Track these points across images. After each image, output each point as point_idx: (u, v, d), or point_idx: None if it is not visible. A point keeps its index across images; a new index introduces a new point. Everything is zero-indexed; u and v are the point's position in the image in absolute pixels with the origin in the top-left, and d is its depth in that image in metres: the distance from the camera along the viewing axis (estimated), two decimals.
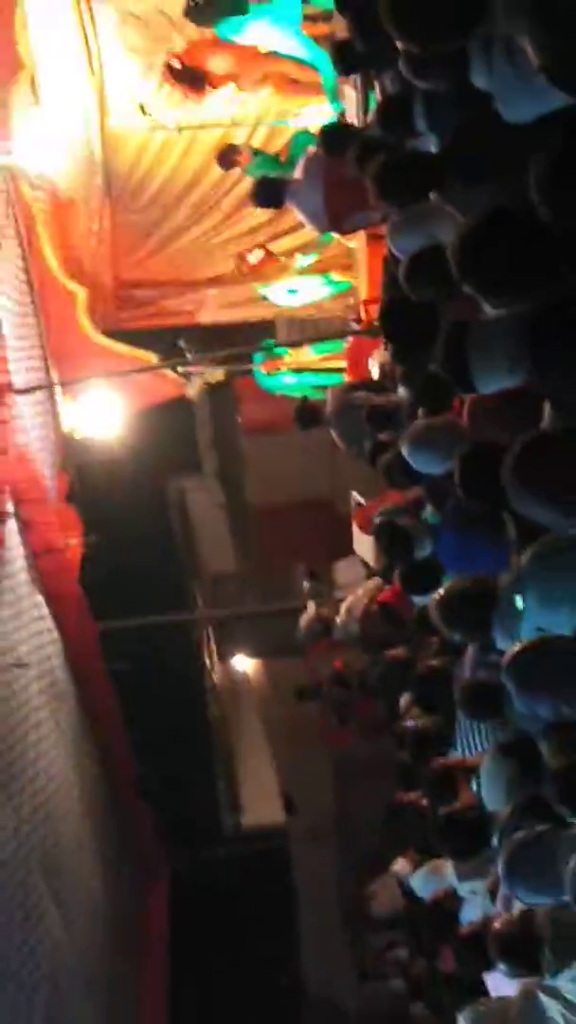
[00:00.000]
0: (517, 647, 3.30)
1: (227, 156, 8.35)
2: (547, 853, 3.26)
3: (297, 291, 9.45)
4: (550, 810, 3.43)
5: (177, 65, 8.24)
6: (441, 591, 3.96)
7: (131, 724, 10.18)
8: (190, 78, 8.25)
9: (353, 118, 7.05)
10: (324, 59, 7.97)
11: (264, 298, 9.83)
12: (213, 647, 12.44)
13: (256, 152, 8.40)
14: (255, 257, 9.11)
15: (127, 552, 10.95)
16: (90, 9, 8.62)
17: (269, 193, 6.28)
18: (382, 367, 6.39)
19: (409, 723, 6.06)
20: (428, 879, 5.99)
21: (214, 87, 8.54)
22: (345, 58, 5.34)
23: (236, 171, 8.66)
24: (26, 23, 7.98)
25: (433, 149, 4.12)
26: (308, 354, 9.86)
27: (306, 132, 8.28)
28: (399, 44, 3.31)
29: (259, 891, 11.42)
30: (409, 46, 3.22)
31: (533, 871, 3.38)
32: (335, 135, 5.90)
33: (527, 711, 3.34)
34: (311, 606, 8.80)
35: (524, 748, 3.92)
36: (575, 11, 2.52)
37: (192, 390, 9.71)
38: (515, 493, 2.70)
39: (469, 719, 4.98)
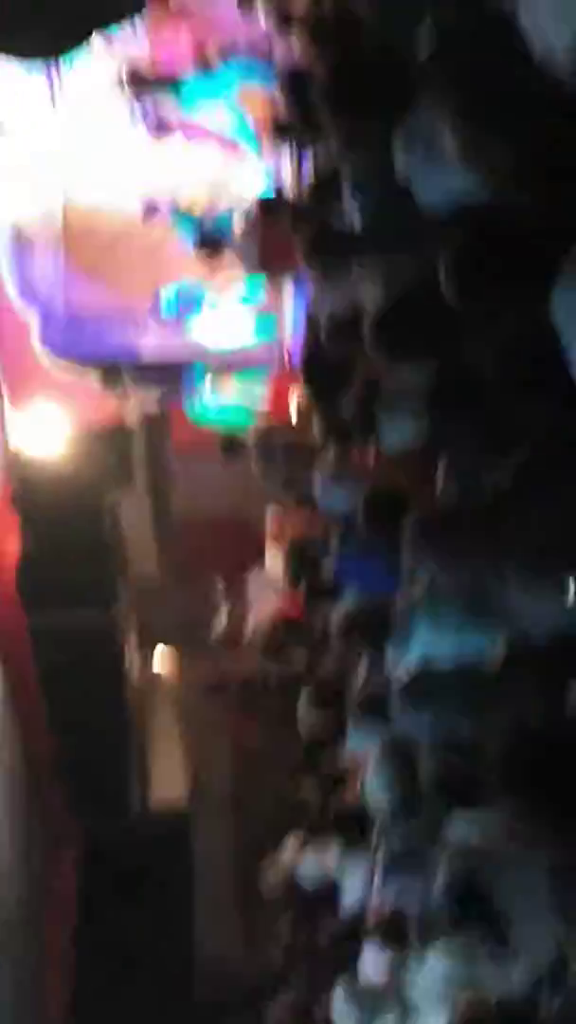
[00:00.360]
0: (404, 669, 3.34)
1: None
2: (421, 854, 3.30)
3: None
4: (426, 809, 3.47)
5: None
6: (341, 607, 3.99)
7: (54, 708, 10.11)
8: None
9: (287, 186, 7.12)
10: (250, 134, 8.13)
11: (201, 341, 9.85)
12: (134, 642, 12.36)
13: (178, 212, 8.48)
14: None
15: (61, 556, 10.86)
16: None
17: (211, 244, 6.33)
18: (299, 407, 6.43)
19: (305, 723, 6.07)
20: (314, 862, 6.00)
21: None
22: (283, 132, 5.41)
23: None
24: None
25: (356, 222, 4.17)
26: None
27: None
28: (331, 127, 3.36)
29: (162, 863, 11.34)
30: (338, 129, 3.26)
31: (407, 871, 3.41)
32: (271, 199, 5.99)
33: (410, 728, 3.37)
34: (224, 612, 8.78)
35: (406, 750, 3.95)
36: (490, 106, 2.57)
37: (130, 414, 9.66)
38: (412, 556, 2.73)
39: (359, 723, 5.00)
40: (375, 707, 4.17)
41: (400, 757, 4.06)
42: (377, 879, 3.72)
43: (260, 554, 8.73)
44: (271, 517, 7.87)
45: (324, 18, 3.73)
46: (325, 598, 5.14)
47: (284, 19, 5.11)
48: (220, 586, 11.23)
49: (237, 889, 11.13)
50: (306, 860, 6.20)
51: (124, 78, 8.17)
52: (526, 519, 2.42)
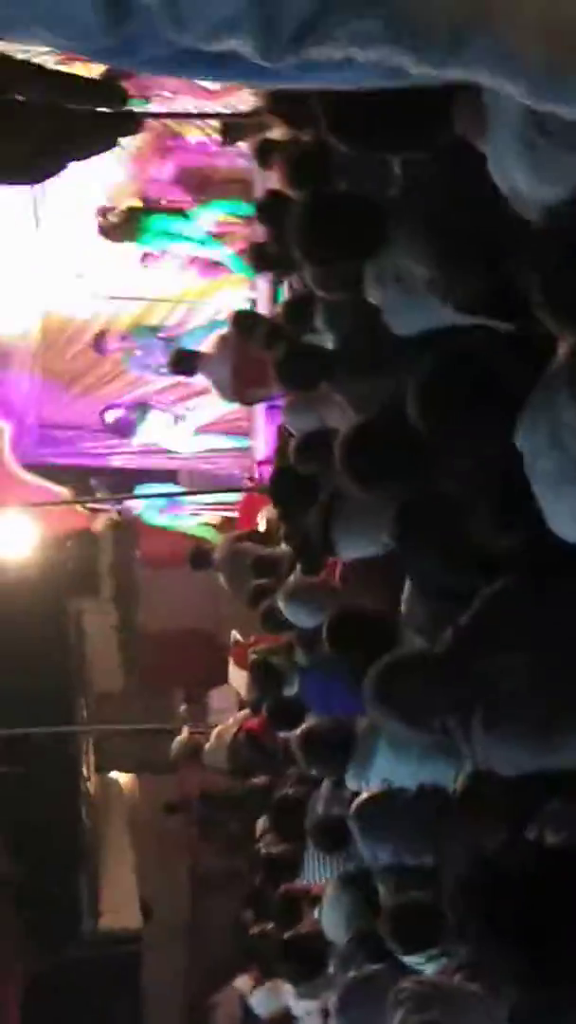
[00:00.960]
0: (365, 795, 3.26)
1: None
2: (378, 993, 3.17)
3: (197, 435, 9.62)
4: (384, 944, 3.35)
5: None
6: (304, 728, 3.93)
7: (2, 825, 9.78)
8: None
9: (263, 306, 7.27)
10: (235, 259, 8.39)
11: (169, 452, 9.94)
12: (92, 758, 12.07)
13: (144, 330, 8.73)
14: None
15: (22, 664, 10.68)
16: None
17: (184, 363, 6.42)
18: (269, 522, 6.45)
19: (263, 848, 5.91)
20: (267, 997, 5.77)
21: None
22: (260, 258, 5.54)
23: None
24: None
25: (328, 345, 4.26)
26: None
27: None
28: (305, 260, 3.44)
29: (110, 993, 10.86)
30: (312, 263, 3.34)
31: (363, 1009, 3.27)
32: (246, 318, 6.09)
33: (369, 854, 3.29)
34: (185, 729, 8.64)
35: (364, 882, 3.84)
36: (458, 241, 2.65)
37: (98, 524, 9.67)
38: (374, 707, 2.70)
39: (318, 849, 4.87)
40: (334, 834, 4.06)
41: (358, 888, 3.94)
42: (332, 1014, 3.58)
43: (224, 668, 8.64)
44: (236, 632, 7.81)
45: (301, 153, 3.86)
46: (288, 717, 5.06)
47: (264, 152, 5.29)
48: (182, 701, 11.07)
49: (187, 1020, 10.66)
50: (260, 991, 5.95)
51: (102, 209, 8.50)
52: (491, 664, 2.40)
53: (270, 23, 0.73)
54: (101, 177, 8.44)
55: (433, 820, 3.02)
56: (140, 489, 9.88)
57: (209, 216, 8.71)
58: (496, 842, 2.60)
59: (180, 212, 8.64)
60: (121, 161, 8.55)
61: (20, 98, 0.79)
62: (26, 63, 0.80)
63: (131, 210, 8.67)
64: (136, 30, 0.74)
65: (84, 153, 0.82)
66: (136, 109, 6.65)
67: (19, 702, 10.40)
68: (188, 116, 7.58)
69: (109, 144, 0.82)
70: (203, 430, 9.60)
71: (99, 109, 0.82)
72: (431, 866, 3.25)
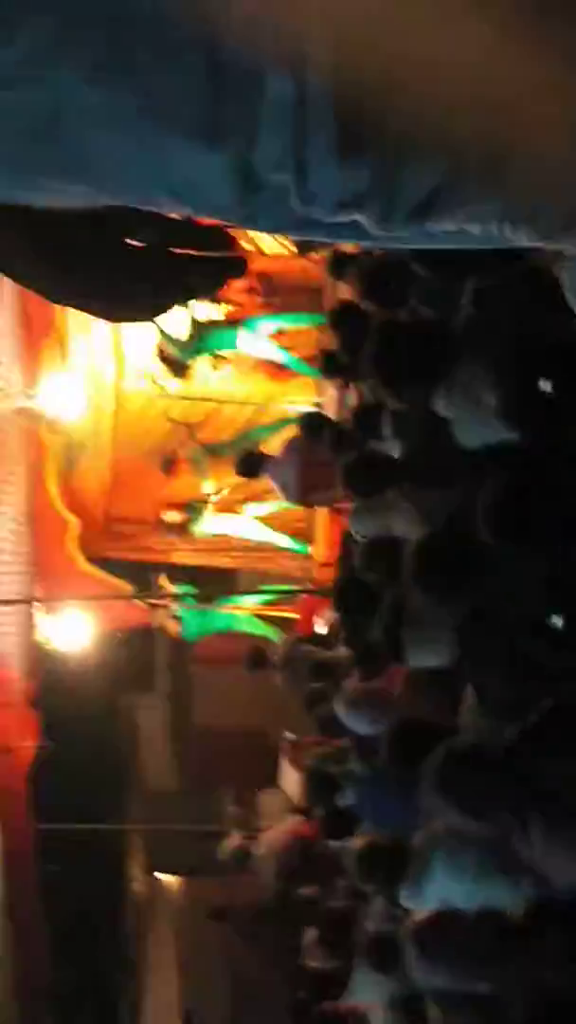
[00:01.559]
0: (422, 917, 3.18)
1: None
2: None
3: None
4: None
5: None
6: (359, 841, 3.86)
7: (53, 925, 9.63)
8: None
9: (331, 411, 7.37)
10: (300, 364, 8.61)
11: (230, 549, 10.02)
12: (138, 858, 11.91)
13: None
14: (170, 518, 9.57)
15: (74, 759, 10.66)
16: None
17: (251, 465, 6.50)
18: (330, 625, 6.43)
19: (309, 961, 5.75)
20: None
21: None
22: (330, 365, 5.65)
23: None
24: None
25: (395, 453, 4.31)
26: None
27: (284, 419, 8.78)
28: (376, 375, 3.51)
29: None
30: (384, 381, 3.41)
31: None
32: (315, 421, 6.18)
33: (423, 977, 3.19)
34: (234, 834, 8.51)
35: (415, 1006, 3.72)
36: (528, 363, 2.70)
37: (157, 619, 9.72)
38: (432, 802, 2.66)
39: (368, 967, 4.73)
40: (386, 953, 3.95)
41: (409, 1011, 3.82)
42: None
43: (275, 770, 8.53)
44: (290, 735, 7.73)
45: (377, 267, 3.97)
46: (341, 828, 4.97)
47: (338, 264, 5.43)
48: (232, 802, 10.92)
49: None
50: None
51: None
52: (552, 769, 2.36)
53: (392, 201, 0.78)
54: None
55: (492, 947, 2.92)
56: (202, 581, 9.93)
57: (275, 325, 8.95)
58: (559, 977, 2.51)
59: (244, 321, 8.88)
60: None
61: (138, 244, 0.85)
62: (142, 211, 0.86)
63: (193, 323, 8.92)
64: (261, 202, 0.79)
65: (197, 293, 0.88)
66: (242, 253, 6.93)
67: (67, 797, 10.35)
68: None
69: (219, 285, 0.88)
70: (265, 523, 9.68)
71: (209, 253, 0.88)
72: (486, 994, 3.14)
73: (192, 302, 8.57)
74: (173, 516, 9.63)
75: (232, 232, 0.94)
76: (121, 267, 0.84)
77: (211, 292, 0.93)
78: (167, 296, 0.86)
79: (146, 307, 0.86)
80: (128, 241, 0.86)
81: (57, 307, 8.34)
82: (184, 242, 0.87)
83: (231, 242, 0.89)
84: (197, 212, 0.78)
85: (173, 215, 0.91)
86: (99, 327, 9.10)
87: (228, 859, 8.25)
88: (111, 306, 0.85)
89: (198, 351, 8.98)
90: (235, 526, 9.59)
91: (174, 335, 8.81)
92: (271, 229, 0.85)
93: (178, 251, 0.87)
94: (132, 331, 9.25)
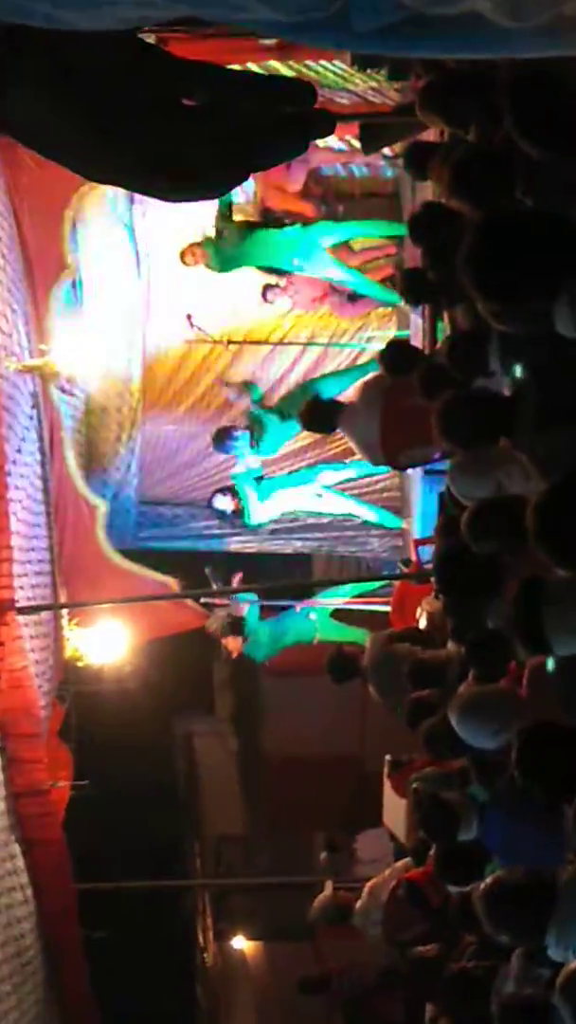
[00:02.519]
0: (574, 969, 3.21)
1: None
2: None
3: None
4: None
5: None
6: (489, 882, 3.88)
7: (106, 1007, 9.80)
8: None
9: (419, 345, 7.34)
10: (379, 288, 8.56)
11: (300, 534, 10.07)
12: (209, 921, 12.09)
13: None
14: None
15: (120, 799, 10.80)
16: (143, 214, 9.21)
17: (321, 416, 6.47)
18: (431, 617, 6.44)
19: None
20: None
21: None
22: (414, 287, 5.63)
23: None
24: (74, 222, 8.51)
25: (506, 391, 4.29)
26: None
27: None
28: (481, 302, 3.50)
29: None
30: (488, 296, 3.40)
31: None
32: (401, 354, 6.14)
33: None
34: (328, 884, 8.59)
35: None
36: None
37: (214, 623, 9.79)
38: None
39: None
40: (530, 1017, 3.99)
41: None
42: None
43: (376, 805, 8.59)
44: (391, 758, 7.77)
45: (473, 156, 3.95)
46: (464, 867, 5.01)
47: (417, 158, 5.40)
48: (322, 848, 11.01)
49: None
50: None
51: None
52: None
53: None
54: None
55: None
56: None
57: (340, 238, 8.92)
58: None
59: (305, 225, 8.84)
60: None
61: (189, 102, 0.86)
62: (198, 63, 0.87)
63: (242, 225, 8.92)
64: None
65: (269, 160, 0.87)
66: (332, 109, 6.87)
67: (116, 848, 10.50)
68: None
69: (298, 148, 0.88)
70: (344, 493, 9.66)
71: (284, 108, 0.87)
72: None
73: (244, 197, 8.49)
74: (223, 501, 9.63)
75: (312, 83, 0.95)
76: (178, 128, 0.85)
77: (289, 157, 0.93)
78: (230, 165, 0.86)
79: (203, 181, 0.86)
80: (178, 100, 0.87)
81: (67, 243, 8.44)
82: (251, 97, 0.88)
83: (312, 93, 0.89)
84: (276, 13, 0.79)
85: (235, 66, 0.91)
86: (118, 257, 9.16)
87: (321, 918, 8.34)
88: (169, 178, 0.85)
89: (237, 263, 8.93)
90: (304, 500, 9.61)
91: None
92: (362, 43, 0.84)
93: (244, 108, 0.87)
94: (160, 261, 9.32)
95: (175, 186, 0.85)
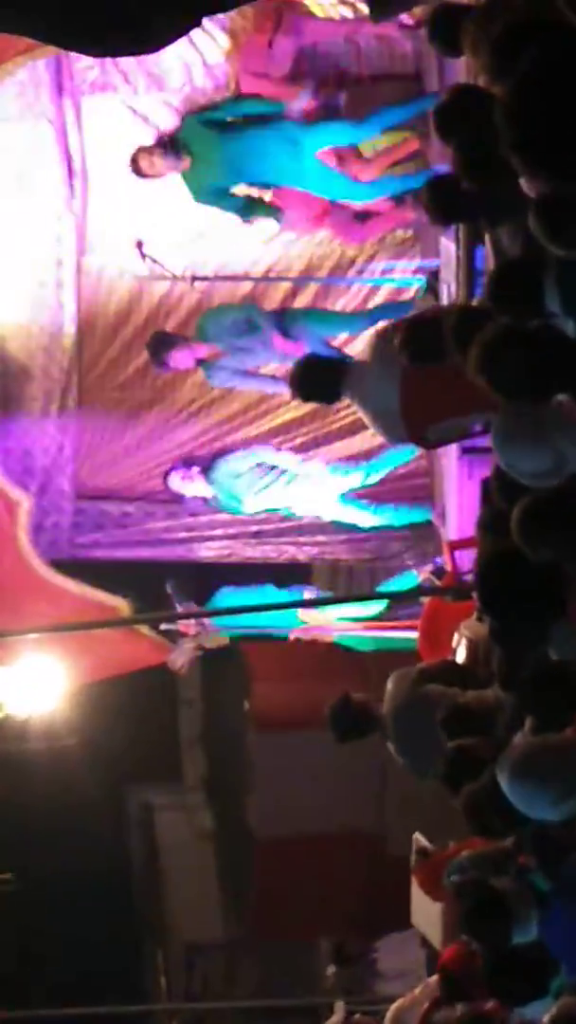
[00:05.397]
0: None
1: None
2: None
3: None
4: None
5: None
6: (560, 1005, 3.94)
7: None
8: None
9: (452, 282, 7.38)
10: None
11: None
12: None
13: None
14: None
15: (52, 898, 10.89)
16: (74, 105, 9.24)
17: (321, 381, 6.45)
18: (472, 646, 6.48)
19: None
20: None
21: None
22: (445, 202, 5.65)
23: None
24: None
25: (569, 335, 4.32)
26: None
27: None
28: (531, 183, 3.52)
29: None
30: (549, 186, 3.42)
31: None
32: (425, 301, 6.20)
33: None
34: (338, 1007, 8.68)
35: None
36: None
37: (180, 658, 9.83)
38: None
39: None
40: None
41: None
42: None
43: (401, 900, 8.62)
44: (422, 838, 7.82)
45: (517, 23, 3.97)
46: (522, 981, 5.06)
47: (444, 24, 5.44)
48: (331, 959, 11.07)
49: None
50: None
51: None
52: None
53: None
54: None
55: None
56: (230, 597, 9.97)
57: (347, 136, 8.96)
58: None
59: (297, 131, 8.89)
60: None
61: None
62: None
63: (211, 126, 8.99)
64: None
65: (220, 4, 0.90)
66: None
67: (46, 963, 10.56)
68: None
69: None
70: (358, 496, 9.70)
71: None
72: None
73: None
74: (190, 487, 9.69)
75: None
76: None
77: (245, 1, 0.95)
78: (173, 9, 0.89)
79: (141, 29, 0.89)
80: None
81: None
82: None
83: None
84: None
85: None
86: (39, 166, 9.18)
87: None
88: (102, 23, 0.88)
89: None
90: (295, 495, 9.70)
91: None
92: None
93: None
94: (100, 170, 9.35)
95: (110, 34, 0.88)
